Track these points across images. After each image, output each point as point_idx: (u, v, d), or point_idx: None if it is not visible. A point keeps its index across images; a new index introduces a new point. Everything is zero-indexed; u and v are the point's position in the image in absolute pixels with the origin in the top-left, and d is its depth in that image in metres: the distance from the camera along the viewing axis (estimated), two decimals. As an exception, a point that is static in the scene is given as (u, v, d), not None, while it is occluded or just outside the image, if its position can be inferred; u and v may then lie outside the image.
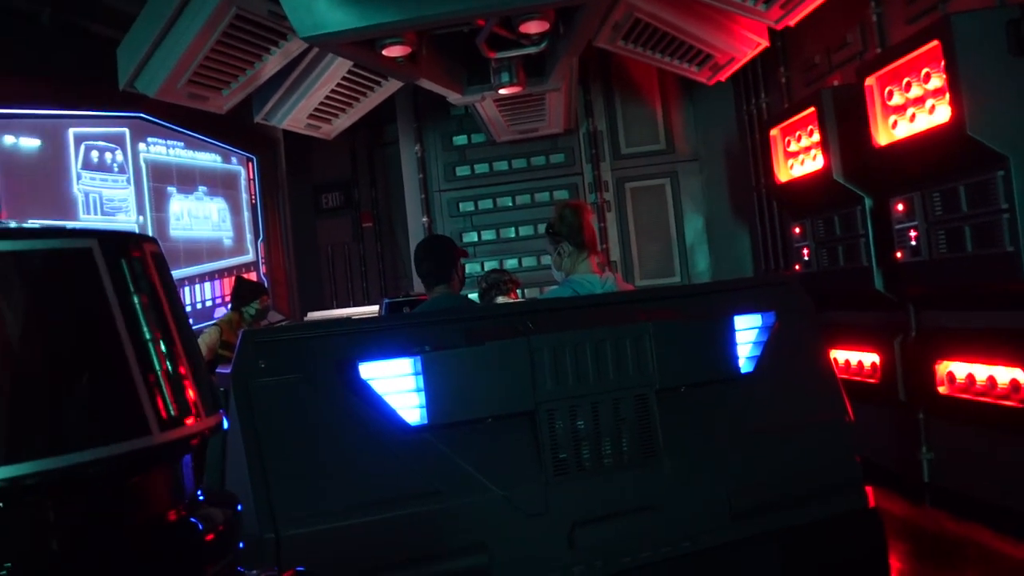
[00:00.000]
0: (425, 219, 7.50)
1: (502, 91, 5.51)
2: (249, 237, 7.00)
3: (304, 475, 2.45)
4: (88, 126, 5.63)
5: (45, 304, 0.82)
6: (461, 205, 7.51)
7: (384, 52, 4.54)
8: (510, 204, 7.49)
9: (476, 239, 7.35)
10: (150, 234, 4.83)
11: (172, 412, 0.89)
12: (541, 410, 2.68)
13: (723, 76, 6.12)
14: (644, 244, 7.41)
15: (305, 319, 6.79)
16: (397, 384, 2.54)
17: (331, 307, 8.36)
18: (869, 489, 3.22)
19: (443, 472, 2.59)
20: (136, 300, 0.89)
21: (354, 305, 8.37)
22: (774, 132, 5.85)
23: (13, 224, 0.87)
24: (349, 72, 5.58)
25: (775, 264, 6.68)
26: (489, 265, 6.95)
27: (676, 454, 2.93)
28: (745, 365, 3.12)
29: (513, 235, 7.38)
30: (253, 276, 6.88)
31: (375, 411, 2.49)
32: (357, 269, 8.86)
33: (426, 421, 2.53)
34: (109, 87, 5.05)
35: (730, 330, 3.06)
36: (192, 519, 0.96)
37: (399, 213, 8.29)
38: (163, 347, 0.90)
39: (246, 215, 7.00)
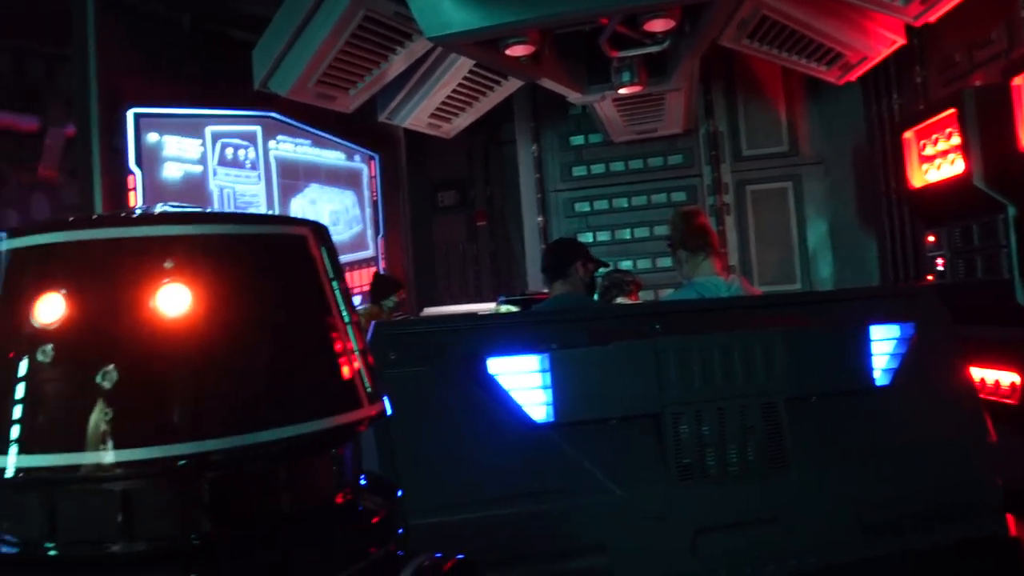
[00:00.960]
0: (540, 219, 7.51)
1: (622, 91, 5.46)
2: (370, 233, 7.19)
3: (429, 467, 2.49)
4: (224, 124, 5.90)
5: (266, 285, 0.85)
6: (576, 206, 7.49)
7: (507, 51, 4.57)
8: (626, 205, 7.41)
9: (591, 240, 7.30)
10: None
11: (349, 396, 0.91)
12: (667, 413, 2.64)
13: (854, 76, 5.89)
14: (763, 249, 7.20)
15: (421, 315, 6.92)
16: (524, 380, 2.54)
17: (444, 304, 8.49)
18: (1010, 517, 3.03)
19: (566, 471, 2.58)
20: (336, 285, 0.92)
21: (467, 302, 8.47)
22: (908, 135, 5.57)
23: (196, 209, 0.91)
24: (470, 72, 5.64)
25: (904, 274, 6.38)
26: (603, 269, 6.90)
27: (804, 465, 2.83)
28: (880, 377, 2.98)
29: (628, 237, 7.31)
30: (373, 271, 7.07)
31: (501, 406, 2.51)
32: (471, 267, 8.96)
33: (552, 419, 2.53)
34: (243, 88, 5.28)
35: (865, 340, 2.94)
36: (357, 503, 0.98)
37: (514, 212, 8.34)
38: (350, 332, 0.93)
39: (367, 212, 7.18)
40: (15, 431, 0.81)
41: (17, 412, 0.82)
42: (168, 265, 0.80)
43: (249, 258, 0.86)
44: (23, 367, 0.82)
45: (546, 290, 6.59)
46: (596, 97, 5.75)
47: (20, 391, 0.82)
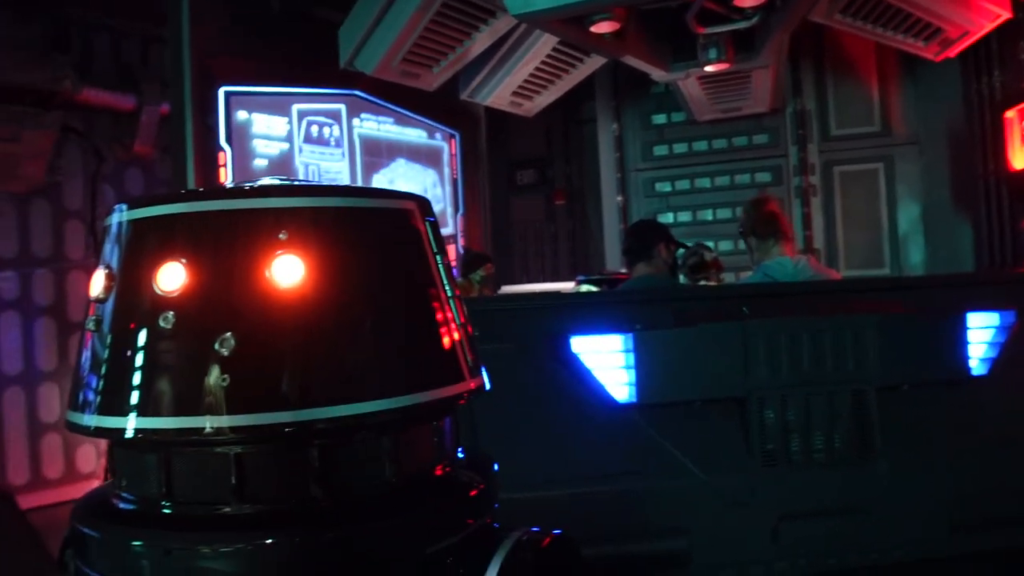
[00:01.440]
0: (620, 199, 7.44)
1: (708, 68, 5.35)
2: (449, 211, 7.25)
3: (510, 444, 2.51)
4: (310, 103, 6.02)
5: (375, 257, 0.87)
6: (657, 185, 7.38)
7: (592, 28, 4.52)
8: (708, 185, 7.28)
9: (672, 220, 7.20)
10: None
11: (451, 369, 0.92)
12: (752, 398, 2.60)
13: (953, 52, 5.63)
14: (851, 232, 6.98)
15: (498, 293, 6.95)
16: (607, 360, 2.54)
17: (521, 282, 8.51)
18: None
19: (647, 452, 2.57)
20: (440, 259, 0.93)
21: (544, 282, 8.47)
22: (1010, 114, 5.33)
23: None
24: (553, 49, 5.61)
25: (1000, 260, 6.10)
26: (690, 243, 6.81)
27: (893, 456, 2.76)
28: (977, 367, 2.88)
29: (710, 217, 7.17)
30: (452, 249, 7.13)
31: (584, 385, 2.51)
32: (548, 246, 8.96)
33: (634, 399, 2.52)
34: (329, 66, 5.36)
35: (962, 328, 2.84)
36: (456, 475, 0.99)
37: (592, 192, 8.28)
38: (453, 305, 0.94)
39: (447, 189, 7.24)
40: (135, 394, 0.85)
41: (137, 376, 0.85)
42: (283, 236, 0.82)
43: (359, 230, 0.87)
44: (143, 333, 0.86)
45: (624, 270, 6.54)
46: (681, 75, 5.65)
47: (140, 356, 0.85)
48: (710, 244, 6.88)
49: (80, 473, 6.04)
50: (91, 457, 6.19)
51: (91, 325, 0.90)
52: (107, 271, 0.89)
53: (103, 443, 6.20)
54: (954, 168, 6.69)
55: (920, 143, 6.92)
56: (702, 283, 4.58)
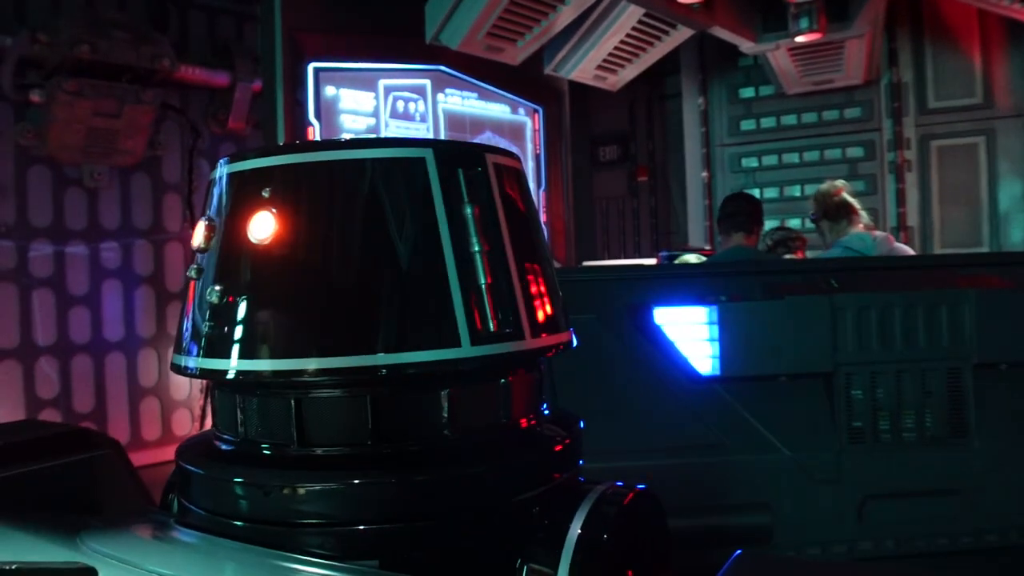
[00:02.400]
0: (705, 174, 7.32)
1: (799, 38, 5.20)
2: (532, 186, 7.26)
3: (590, 412, 2.52)
4: (395, 78, 6.09)
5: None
6: (744, 161, 7.22)
7: (679, -2, 4.45)
8: (796, 161, 7.08)
9: (759, 196, 7.04)
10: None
11: (542, 321, 0.93)
12: (840, 373, 2.54)
13: (1065, 18, 5.33)
14: (948, 210, 6.69)
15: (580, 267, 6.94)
16: (691, 332, 2.52)
17: (603, 258, 8.47)
18: None
19: (730, 426, 2.54)
20: (534, 212, 0.94)
21: (625, 258, 8.41)
22: None
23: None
24: (639, 21, 5.54)
25: (1112, 238, 5.77)
26: (770, 225, 6.66)
27: (989, 437, 2.66)
28: (1082, 346, 2.74)
29: (798, 193, 6.98)
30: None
31: (666, 357, 2.49)
32: (630, 222, 8.88)
33: (718, 372, 2.50)
34: (415, 42, 5.41)
35: (1067, 305, 2.70)
36: (542, 428, 1.01)
37: (676, 168, 8.17)
38: (545, 258, 0.95)
39: (530, 165, 7.25)
40: (235, 337, 0.89)
41: (237, 320, 0.89)
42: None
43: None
44: (242, 280, 0.90)
45: (707, 247, 6.43)
46: (770, 46, 5.51)
47: (238, 302, 0.89)
48: (796, 222, 6.73)
49: (176, 436, 6.32)
50: (186, 421, 6.47)
51: (193, 273, 0.94)
52: (207, 222, 0.93)
53: (197, 408, 6.48)
54: (1063, 142, 6.34)
55: (1025, 115, 6.57)
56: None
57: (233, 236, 0.91)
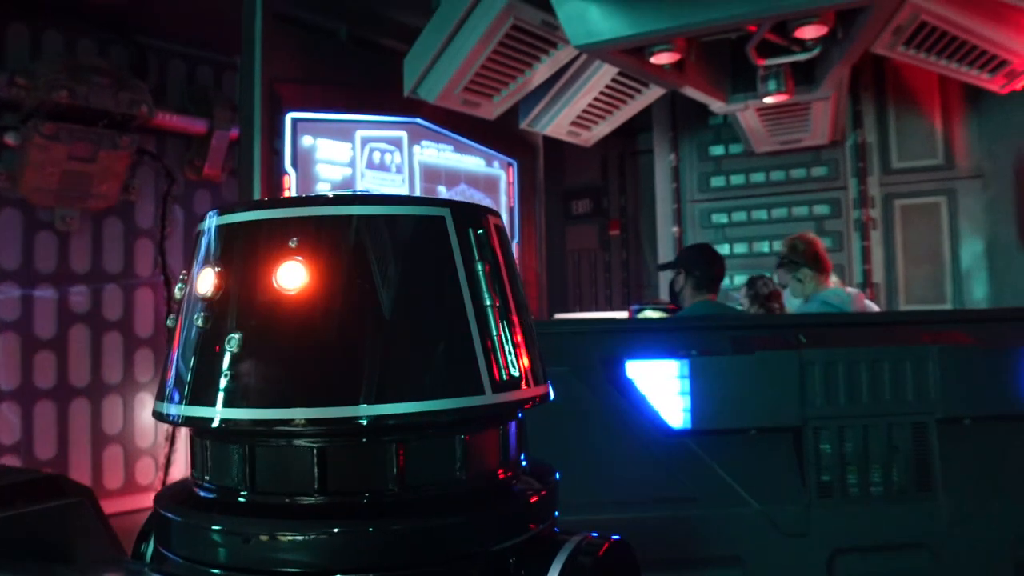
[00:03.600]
0: (675, 229, 7.43)
1: (768, 100, 5.35)
2: (505, 238, 7.32)
3: (563, 466, 2.52)
4: (373, 129, 6.17)
5: (448, 265, 0.91)
6: (714, 216, 7.36)
7: (652, 59, 4.57)
8: (765, 217, 7.23)
9: (728, 252, 7.17)
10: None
11: (519, 375, 0.96)
12: (808, 427, 2.58)
13: (1019, 84, 5.54)
14: (912, 267, 6.86)
15: (551, 320, 6.97)
16: (662, 385, 2.55)
17: (574, 311, 8.52)
18: None
19: (701, 479, 2.56)
20: (515, 267, 0.97)
21: (597, 310, 8.47)
22: (1080, 148, 5.21)
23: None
24: (612, 80, 5.67)
25: (1070, 297, 5.93)
26: (739, 280, 6.77)
27: (955, 492, 2.70)
28: (1043, 402, 2.81)
29: (767, 250, 7.11)
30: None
31: (638, 410, 2.52)
32: (602, 275, 8.97)
33: (689, 425, 2.52)
34: (392, 95, 5.50)
35: (1026, 362, 2.78)
36: (519, 480, 1.02)
37: (648, 222, 8.29)
38: (524, 313, 0.98)
39: (504, 217, 7.31)
40: (221, 386, 0.90)
41: (223, 368, 0.90)
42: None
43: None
44: (233, 329, 0.91)
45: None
46: (740, 106, 5.66)
47: (224, 350, 0.91)
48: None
49: (138, 485, 6.21)
50: (150, 470, 6.35)
51: (201, 322, 0.95)
52: (216, 270, 0.95)
53: (161, 456, 6.37)
54: (1020, 203, 6.55)
55: (984, 177, 6.79)
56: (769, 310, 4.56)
57: (248, 286, 0.92)
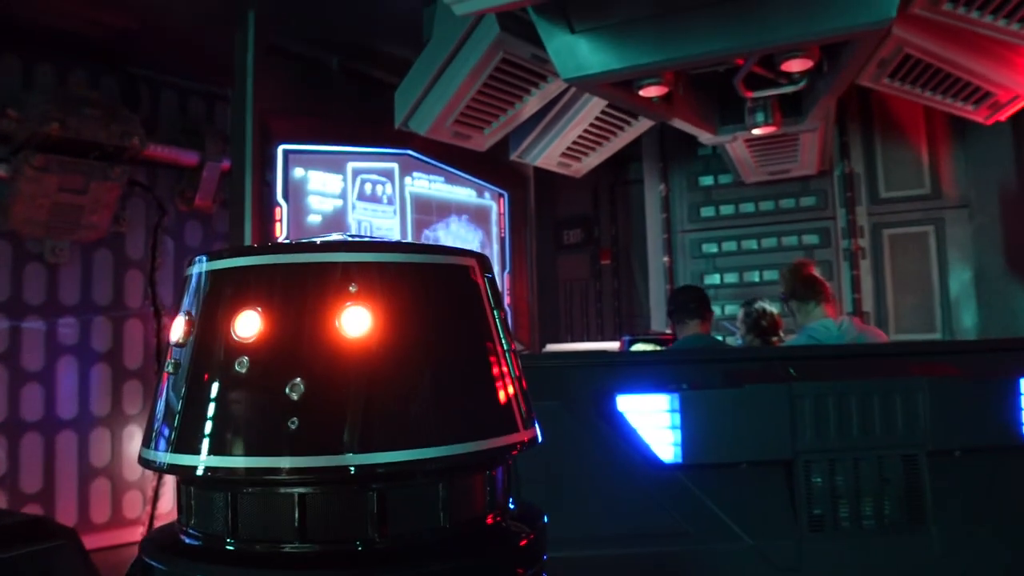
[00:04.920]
0: (666, 259, 7.46)
1: (756, 131, 5.40)
2: (497, 269, 7.32)
3: (554, 501, 2.51)
4: (364, 161, 6.20)
5: (436, 311, 0.92)
6: (704, 246, 7.39)
7: (641, 92, 4.61)
8: (755, 247, 7.26)
9: (718, 281, 7.20)
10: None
11: (506, 420, 0.96)
12: (799, 461, 2.58)
13: (1003, 115, 5.60)
14: (901, 296, 6.89)
15: (543, 351, 6.97)
16: (653, 420, 2.54)
17: (566, 341, 8.52)
18: None
19: (692, 514, 2.55)
20: (497, 314, 0.98)
21: (588, 340, 8.47)
22: (1065, 178, 5.27)
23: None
24: (602, 112, 5.72)
25: (1058, 325, 5.97)
26: (730, 309, 6.78)
27: (946, 524, 2.70)
28: (1032, 434, 2.82)
29: (757, 279, 7.15)
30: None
31: (629, 444, 2.51)
32: (594, 305, 8.97)
33: (679, 460, 2.52)
34: (384, 127, 5.53)
35: (1016, 393, 2.79)
36: (507, 524, 1.02)
37: (639, 252, 8.32)
38: (508, 359, 0.98)
39: (495, 248, 7.34)
40: (207, 434, 0.90)
41: (210, 416, 0.90)
42: (352, 289, 0.88)
43: (424, 285, 0.92)
44: (218, 376, 0.91)
45: (668, 331, 6.52)
46: (728, 138, 5.71)
47: (214, 398, 0.91)
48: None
49: (125, 519, 6.14)
50: (137, 504, 6.28)
51: (169, 368, 0.95)
52: (187, 318, 0.95)
53: (149, 490, 6.30)
54: (1006, 232, 6.60)
55: (971, 206, 6.85)
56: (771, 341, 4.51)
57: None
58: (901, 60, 5.10)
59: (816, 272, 4.07)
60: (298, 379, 0.85)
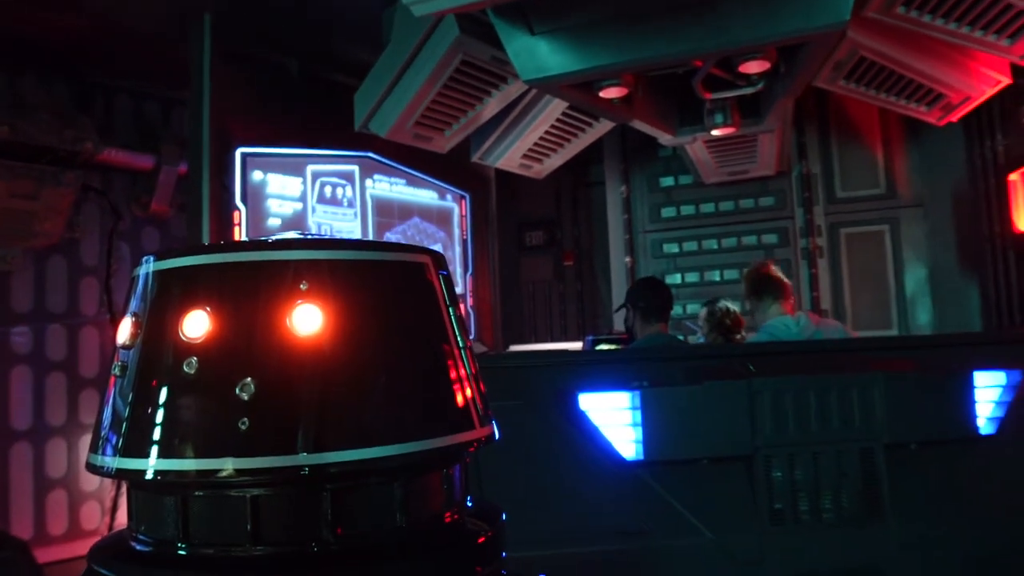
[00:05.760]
0: (628, 260, 7.51)
1: (715, 132, 5.45)
2: (459, 271, 7.32)
3: (517, 500, 2.51)
4: (324, 164, 6.14)
5: (389, 308, 0.91)
6: (665, 246, 7.45)
7: (601, 94, 4.63)
8: (715, 247, 7.34)
9: (679, 281, 7.26)
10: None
11: (462, 418, 0.95)
12: (759, 456, 2.61)
13: (955, 117, 5.72)
14: (858, 294, 7.01)
15: (507, 352, 6.97)
16: (614, 417, 2.55)
17: (529, 342, 8.52)
18: None
19: (655, 510, 2.57)
20: (452, 311, 0.97)
21: (552, 341, 8.49)
22: (1013, 177, 5.41)
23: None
24: (563, 114, 5.73)
25: (1009, 322, 6.11)
26: (692, 308, 6.84)
27: (903, 516, 2.74)
28: (985, 426, 2.88)
29: (718, 278, 7.22)
30: (461, 308, 7.18)
31: (591, 442, 2.52)
32: (556, 307, 9.00)
33: (641, 457, 2.53)
34: (343, 129, 5.49)
35: (969, 387, 2.85)
36: (465, 522, 1.02)
37: (601, 253, 8.36)
38: (464, 357, 0.98)
39: (457, 250, 7.33)
40: (156, 437, 0.88)
41: (158, 419, 0.88)
42: (303, 287, 0.86)
43: (375, 282, 0.92)
44: (167, 378, 0.89)
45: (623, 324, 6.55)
46: (687, 139, 5.76)
47: (162, 400, 0.89)
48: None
49: (83, 530, 6.00)
50: (95, 515, 6.16)
51: (116, 371, 0.93)
52: (134, 319, 0.93)
53: (107, 501, 6.18)
54: (960, 230, 6.75)
55: (925, 206, 6.99)
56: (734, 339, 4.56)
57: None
58: (856, 62, 5.19)
59: (775, 271, 4.12)
60: (248, 379, 0.84)
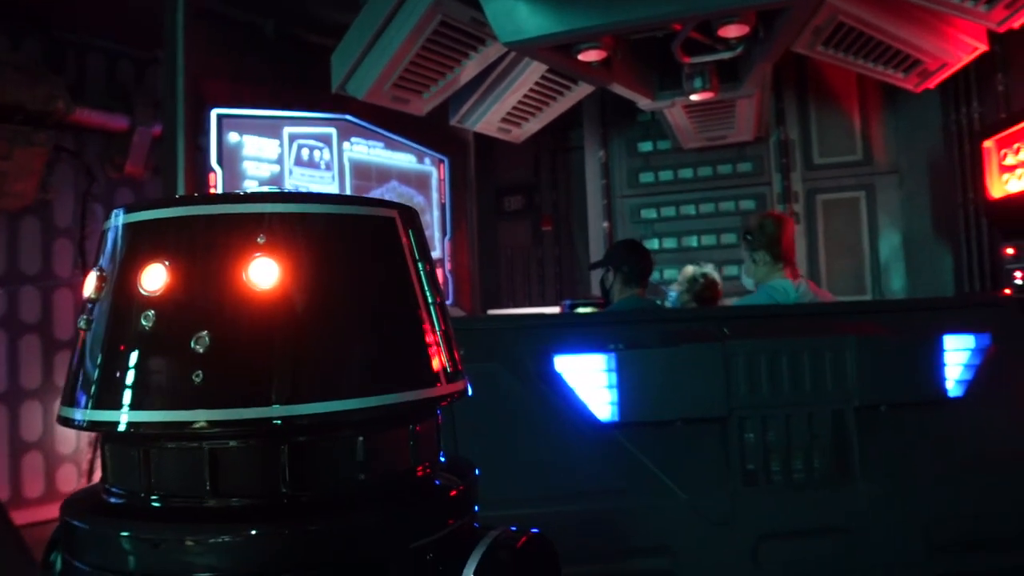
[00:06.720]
0: (606, 224, 7.52)
1: (694, 97, 5.44)
2: (437, 235, 7.30)
3: (492, 460, 2.53)
4: (301, 126, 6.08)
5: (355, 262, 0.91)
6: (643, 212, 7.47)
7: (579, 57, 4.60)
8: (693, 212, 7.37)
9: (657, 246, 7.28)
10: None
11: (433, 372, 0.96)
12: (733, 417, 2.64)
13: (932, 83, 5.75)
14: (833, 259, 7.07)
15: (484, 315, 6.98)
16: (590, 379, 2.57)
17: (507, 307, 8.54)
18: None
19: (629, 471, 2.60)
20: (422, 267, 0.97)
21: (529, 306, 8.51)
22: (988, 144, 5.44)
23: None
24: (542, 77, 5.69)
25: (981, 287, 6.20)
26: (669, 274, 6.88)
27: (872, 477, 2.80)
28: (953, 389, 2.93)
29: (695, 244, 7.26)
30: (440, 273, 7.17)
31: (567, 404, 2.54)
32: (535, 271, 9.01)
33: (616, 418, 2.55)
34: (321, 91, 5.43)
35: (938, 350, 2.89)
36: (436, 477, 1.02)
37: (579, 218, 8.36)
38: (433, 312, 0.98)
39: (435, 214, 7.30)
40: (123, 389, 0.88)
41: (124, 372, 0.88)
42: (261, 240, 0.86)
43: (336, 236, 0.91)
44: (125, 332, 0.89)
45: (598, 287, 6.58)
46: (666, 103, 5.74)
47: (126, 353, 0.89)
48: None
49: (60, 493, 6.00)
50: (72, 477, 6.15)
51: (83, 324, 0.93)
52: (99, 273, 0.93)
53: (84, 463, 6.17)
54: (934, 197, 6.81)
55: (901, 172, 7.04)
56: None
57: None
58: (835, 28, 5.19)
59: (793, 233, 3.84)
60: (204, 332, 0.84)
